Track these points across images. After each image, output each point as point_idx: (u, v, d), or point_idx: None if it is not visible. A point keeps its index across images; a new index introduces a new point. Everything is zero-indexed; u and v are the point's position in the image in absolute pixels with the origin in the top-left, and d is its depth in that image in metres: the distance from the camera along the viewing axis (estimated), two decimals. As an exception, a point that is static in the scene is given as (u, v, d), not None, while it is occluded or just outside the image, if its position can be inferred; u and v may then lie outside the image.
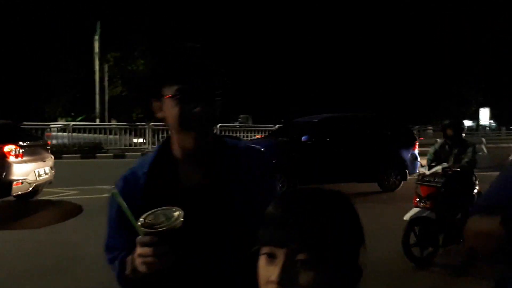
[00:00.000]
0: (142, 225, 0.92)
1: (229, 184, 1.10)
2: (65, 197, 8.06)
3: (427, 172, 5.01)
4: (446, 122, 5.58)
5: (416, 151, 9.95)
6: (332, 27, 35.67)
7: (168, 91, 1.06)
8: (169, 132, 1.15)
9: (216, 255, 1.05)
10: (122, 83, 23.50)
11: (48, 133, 16.02)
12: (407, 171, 9.45)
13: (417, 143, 10.28)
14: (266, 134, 15.29)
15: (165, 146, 1.16)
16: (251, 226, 0.94)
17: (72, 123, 18.46)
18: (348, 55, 35.01)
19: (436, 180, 4.82)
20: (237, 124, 21.47)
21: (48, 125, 17.62)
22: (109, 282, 1.31)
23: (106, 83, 21.72)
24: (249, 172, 1.12)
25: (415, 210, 4.79)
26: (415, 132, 24.98)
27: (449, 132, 5.38)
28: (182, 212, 0.93)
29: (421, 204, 4.81)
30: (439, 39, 32.09)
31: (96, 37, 20.76)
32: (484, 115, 24.35)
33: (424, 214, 4.68)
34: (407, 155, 9.62)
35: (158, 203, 0.97)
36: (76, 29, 23.75)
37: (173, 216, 0.92)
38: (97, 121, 20.04)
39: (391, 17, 36.69)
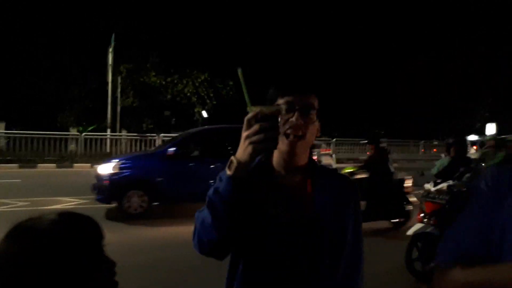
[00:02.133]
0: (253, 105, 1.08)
1: (315, 192, 1.28)
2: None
3: (432, 189, 5.09)
4: (450, 140, 5.78)
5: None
6: (333, 38, 35.71)
7: (279, 103, 1.25)
8: None
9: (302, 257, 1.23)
10: (134, 94, 23.88)
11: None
12: None
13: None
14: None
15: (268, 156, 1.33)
16: (332, 233, 1.23)
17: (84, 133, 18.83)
18: (352, 67, 35.07)
19: (441, 197, 4.86)
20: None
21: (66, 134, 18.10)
22: None
23: (118, 94, 22.09)
24: (334, 188, 1.31)
25: (418, 225, 4.87)
26: (420, 146, 25.07)
27: (453, 150, 5.60)
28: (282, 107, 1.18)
29: (425, 220, 4.88)
30: (447, 54, 32.16)
31: (111, 49, 21.15)
32: (491, 130, 24.21)
33: (428, 230, 4.73)
34: None
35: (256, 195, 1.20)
36: (89, 41, 24.21)
37: (271, 106, 1.16)
38: (109, 131, 20.34)
39: (398, 28, 36.81)
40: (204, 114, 25.33)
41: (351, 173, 7.17)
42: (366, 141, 9.69)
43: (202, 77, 24.42)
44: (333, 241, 1.24)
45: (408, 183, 7.42)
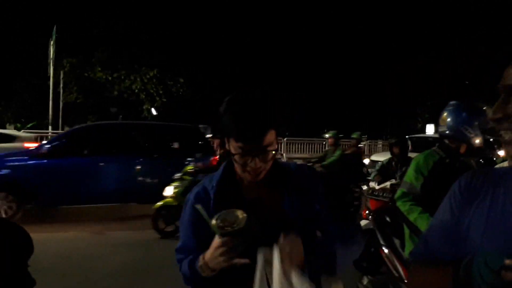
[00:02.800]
0: (218, 227, 1.14)
1: (283, 197, 1.32)
2: None
3: (377, 187, 5.24)
4: (393, 140, 5.99)
5: None
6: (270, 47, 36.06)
7: (234, 144, 1.23)
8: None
9: None
10: (78, 90, 22.83)
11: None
12: None
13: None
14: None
15: (230, 166, 1.36)
16: (305, 232, 1.24)
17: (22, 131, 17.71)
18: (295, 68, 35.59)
19: (385, 194, 4.95)
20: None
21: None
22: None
23: (61, 90, 21.03)
24: (300, 187, 1.35)
25: (363, 222, 4.89)
26: (365, 146, 26.09)
27: (396, 150, 5.80)
28: (244, 214, 1.16)
29: (370, 216, 5.14)
30: (390, 59, 33.71)
31: (52, 42, 20.10)
32: (430, 130, 25.87)
33: (372, 227, 4.96)
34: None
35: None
36: (31, 33, 22.85)
37: (238, 217, 1.16)
38: (50, 129, 19.32)
39: (340, 33, 37.98)
40: (153, 111, 24.71)
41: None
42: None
43: (151, 74, 23.75)
44: (307, 242, 1.25)
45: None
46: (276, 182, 1.33)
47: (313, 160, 8.69)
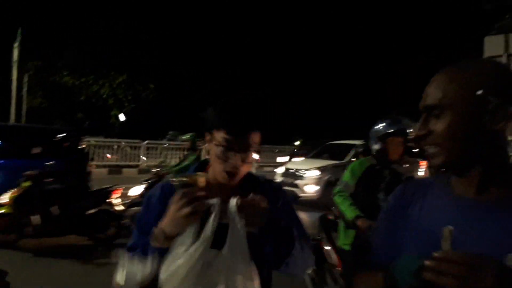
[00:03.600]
0: (179, 180, 1.16)
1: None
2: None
3: None
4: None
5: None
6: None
7: (218, 135, 1.24)
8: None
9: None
10: (43, 94, 22.13)
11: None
12: None
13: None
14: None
15: (203, 166, 1.36)
16: (264, 244, 1.22)
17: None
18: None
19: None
20: (165, 141, 21.09)
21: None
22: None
23: (24, 93, 20.31)
24: (268, 199, 1.30)
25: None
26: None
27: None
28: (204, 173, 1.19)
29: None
30: (390, 61, 34.42)
31: (16, 44, 19.43)
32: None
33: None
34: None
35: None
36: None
37: (197, 174, 1.20)
38: (12, 133, 18.57)
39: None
40: (122, 117, 24.23)
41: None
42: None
43: (120, 79, 23.36)
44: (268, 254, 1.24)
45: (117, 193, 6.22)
46: (246, 190, 1.28)
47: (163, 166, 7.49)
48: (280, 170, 11.18)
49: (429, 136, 0.97)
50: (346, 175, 2.96)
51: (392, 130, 2.82)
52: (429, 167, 1.02)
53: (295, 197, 9.80)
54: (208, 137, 1.32)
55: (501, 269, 0.78)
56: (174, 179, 1.18)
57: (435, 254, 0.80)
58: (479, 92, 0.92)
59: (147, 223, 1.25)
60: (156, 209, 1.27)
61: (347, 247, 2.95)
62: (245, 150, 1.24)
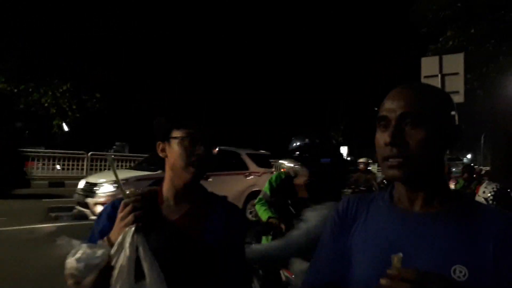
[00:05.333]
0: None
1: (205, 223, 1.30)
2: None
3: None
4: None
5: None
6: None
7: (177, 134, 1.30)
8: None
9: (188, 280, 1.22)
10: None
11: None
12: None
13: None
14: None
15: (158, 183, 1.37)
16: (221, 259, 1.24)
17: None
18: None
19: None
20: (111, 152, 20.39)
21: None
22: None
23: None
24: (223, 217, 1.34)
25: None
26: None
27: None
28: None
29: None
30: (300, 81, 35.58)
31: None
32: (344, 152, 27.83)
33: None
34: None
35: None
36: None
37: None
38: None
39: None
40: (65, 127, 23.12)
41: None
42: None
43: (64, 87, 22.29)
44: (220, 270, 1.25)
45: None
46: (200, 206, 1.33)
47: None
48: (80, 184, 8.02)
49: (401, 145, 0.96)
50: (266, 186, 3.45)
51: (297, 146, 3.13)
52: (386, 179, 1.06)
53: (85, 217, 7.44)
54: (161, 146, 1.34)
55: (449, 283, 0.82)
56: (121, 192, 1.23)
57: (390, 272, 0.81)
58: (452, 110, 1.00)
59: (94, 236, 1.26)
60: (102, 224, 1.29)
61: None
62: (206, 138, 1.30)
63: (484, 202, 3.62)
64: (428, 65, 6.33)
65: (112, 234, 1.17)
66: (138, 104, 27.22)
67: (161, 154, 1.35)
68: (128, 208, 1.15)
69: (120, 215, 1.16)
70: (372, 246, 1.01)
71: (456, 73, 6.09)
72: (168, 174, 1.33)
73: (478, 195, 4.19)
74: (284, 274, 3.09)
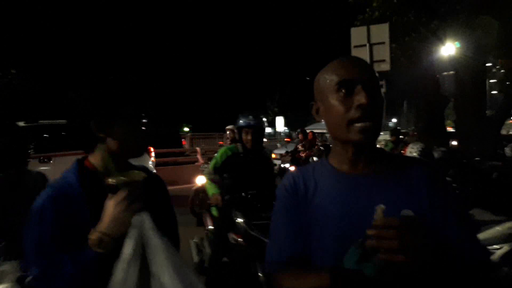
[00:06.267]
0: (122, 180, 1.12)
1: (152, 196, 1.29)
2: None
3: None
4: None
5: None
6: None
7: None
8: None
9: None
10: None
11: None
12: None
13: None
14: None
15: (81, 164, 1.25)
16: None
17: None
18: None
19: None
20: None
21: None
22: None
23: None
24: (154, 190, 1.34)
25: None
26: (224, 138, 26.87)
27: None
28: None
29: None
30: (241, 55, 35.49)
31: None
32: (280, 123, 28.16)
33: None
34: None
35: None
36: None
37: (135, 172, 1.18)
38: None
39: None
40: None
41: None
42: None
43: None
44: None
45: None
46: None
47: None
48: None
49: (374, 108, 1.02)
50: (212, 162, 3.56)
51: (243, 124, 3.35)
52: (359, 143, 1.04)
53: None
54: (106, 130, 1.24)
55: (420, 222, 0.93)
56: (112, 179, 1.12)
57: (375, 223, 0.89)
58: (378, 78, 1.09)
59: (47, 242, 1.09)
60: (50, 225, 1.10)
61: (215, 213, 3.68)
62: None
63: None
64: (357, 35, 6.56)
65: (109, 227, 1.08)
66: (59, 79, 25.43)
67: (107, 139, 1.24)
68: (123, 195, 1.10)
69: (121, 204, 1.09)
70: (331, 212, 1.07)
71: (383, 43, 6.39)
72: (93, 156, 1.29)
73: (406, 154, 4.56)
74: (232, 236, 3.23)
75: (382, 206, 0.91)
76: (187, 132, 24.52)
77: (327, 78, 1.08)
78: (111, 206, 1.10)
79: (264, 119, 3.68)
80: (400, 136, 8.84)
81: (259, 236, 2.91)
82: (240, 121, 3.38)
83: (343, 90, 1.04)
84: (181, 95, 35.74)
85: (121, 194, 1.11)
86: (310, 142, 9.24)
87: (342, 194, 1.08)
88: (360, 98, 1.00)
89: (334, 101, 1.05)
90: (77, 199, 1.14)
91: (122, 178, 1.13)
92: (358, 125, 1.02)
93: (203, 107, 37.05)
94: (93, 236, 1.08)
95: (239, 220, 3.13)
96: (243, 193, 3.25)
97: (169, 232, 1.18)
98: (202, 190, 6.01)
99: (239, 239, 3.11)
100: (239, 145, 3.48)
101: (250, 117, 3.34)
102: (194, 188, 6.61)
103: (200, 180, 6.37)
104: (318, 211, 1.09)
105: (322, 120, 1.11)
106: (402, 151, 5.69)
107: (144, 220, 1.08)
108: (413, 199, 1.04)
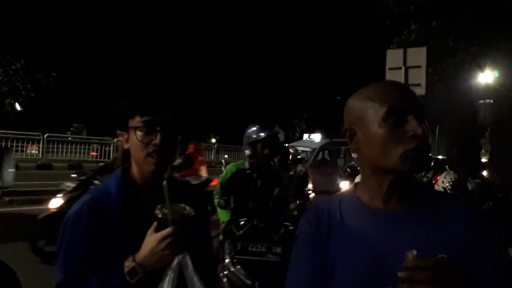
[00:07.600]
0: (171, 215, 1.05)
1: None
2: None
3: None
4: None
5: None
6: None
7: (135, 123, 1.18)
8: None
9: None
10: None
11: None
12: None
13: None
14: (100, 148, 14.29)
15: (125, 173, 1.22)
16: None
17: None
18: None
19: None
20: (68, 134, 19.57)
21: None
22: None
23: None
24: (192, 203, 1.23)
25: None
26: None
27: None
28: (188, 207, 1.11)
29: None
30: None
31: None
32: (317, 139, 28.18)
33: None
34: None
35: (138, 231, 1.09)
36: None
37: (185, 207, 1.10)
38: None
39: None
40: (18, 106, 21.93)
41: None
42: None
43: (18, 65, 21.04)
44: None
45: None
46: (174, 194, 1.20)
47: None
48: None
49: (426, 139, 0.97)
50: (219, 181, 3.22)
51: (263, 136, 2.80)
52: (409, 172, 0.99)
53: None
54: (123, 136, 1.23)
55: (457, 267, 0.85)
56: (163, 211, 1.07)
57: (407, 264, 0.82)
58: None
59: (77, 251, 1.10)
60: (83, 234, 1.11)
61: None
62: (167, 126, 1.18)
63: (443, 191, 3.78)
64: (393, 57, 6.46)
65: (146, 260, 1.06)
66: (96, 86, 26.27)
67: (125, 146, 1.22)
68: (171, 231, 1.04)
69: (164, 242, 1.04)
70: (358, 252, 0.98)
71: (419, 66, 6.26)
72: (134, 165, 1.23)
73: (437, 185, 4.36)
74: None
75: (414, 251, 0.83)
76: (213, 143, 24.73)
77: (369, 105, 1.00)
78: (154, 240, 1.05)
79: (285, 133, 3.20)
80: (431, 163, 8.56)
81: (238, 275, 2.50)
82: (253, 135, 2.86)
83: (393, 119, 0.96)
84: (210, 107, 36.31)
85: (168, 231, 1.05)
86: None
87: (370, 233, 0.99)
88: (416, 128, 0.94)
89: (380, 130, 0.97)
90: (114, 211, 1.14)
91: (173, 211, 1.07)
92: (413, 155, 0.94)
93: (231, 120, 37.41)
94: (128, 263, 1.06)
95: (227, 250, 2.66)
96: (255, 222, 2.70)
97: (205, 267, 1.18)
98: None
99: (220, 274, 2.70)
100: (246, 161, 3.01)
101: (277, 127, 2.89)
102: None
103: None
104: (342, 250, 1.01)
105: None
106: (431, 180, 5.49)
107: (186, 262, 1.05)
108: (449, 240, 0.95)
